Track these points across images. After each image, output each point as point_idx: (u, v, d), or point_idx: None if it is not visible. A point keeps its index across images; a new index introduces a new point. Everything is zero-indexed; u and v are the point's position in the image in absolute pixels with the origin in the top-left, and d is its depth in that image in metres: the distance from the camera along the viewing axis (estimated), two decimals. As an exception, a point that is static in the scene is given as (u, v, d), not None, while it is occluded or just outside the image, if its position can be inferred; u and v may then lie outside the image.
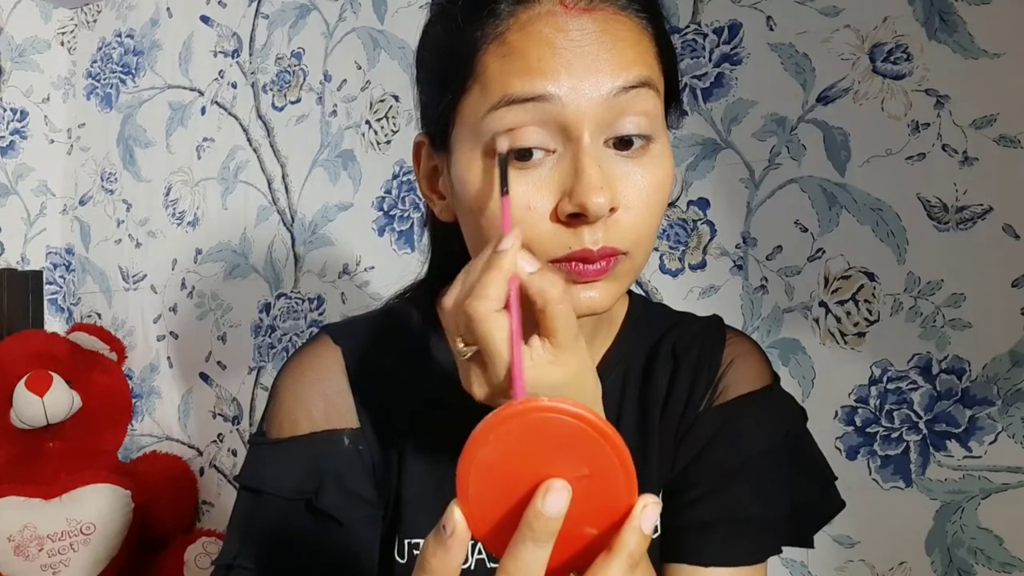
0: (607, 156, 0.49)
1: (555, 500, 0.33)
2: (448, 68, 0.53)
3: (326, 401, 0.60)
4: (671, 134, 0.56)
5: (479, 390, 0.45)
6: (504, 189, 0.48)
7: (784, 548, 0.62)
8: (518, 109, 0.48)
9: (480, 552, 0.59)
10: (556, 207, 0.49)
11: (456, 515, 0.35)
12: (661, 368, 0.63)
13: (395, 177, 1.42)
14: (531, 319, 0.45)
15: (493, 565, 0.38)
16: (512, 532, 0.34)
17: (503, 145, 0.49)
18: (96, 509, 1.49)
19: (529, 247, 0.49)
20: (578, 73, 0.48)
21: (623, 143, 0.50)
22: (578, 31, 0.48)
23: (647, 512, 0.35)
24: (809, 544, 0.64)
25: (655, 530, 0.60)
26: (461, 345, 0.45)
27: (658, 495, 0.62)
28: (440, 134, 0.55)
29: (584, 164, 0.48)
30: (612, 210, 0.49)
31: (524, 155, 0.49)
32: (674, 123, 0.57)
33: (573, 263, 0.49)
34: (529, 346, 0.44)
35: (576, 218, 0.48)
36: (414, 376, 0.62)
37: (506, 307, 0.43)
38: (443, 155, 0.55)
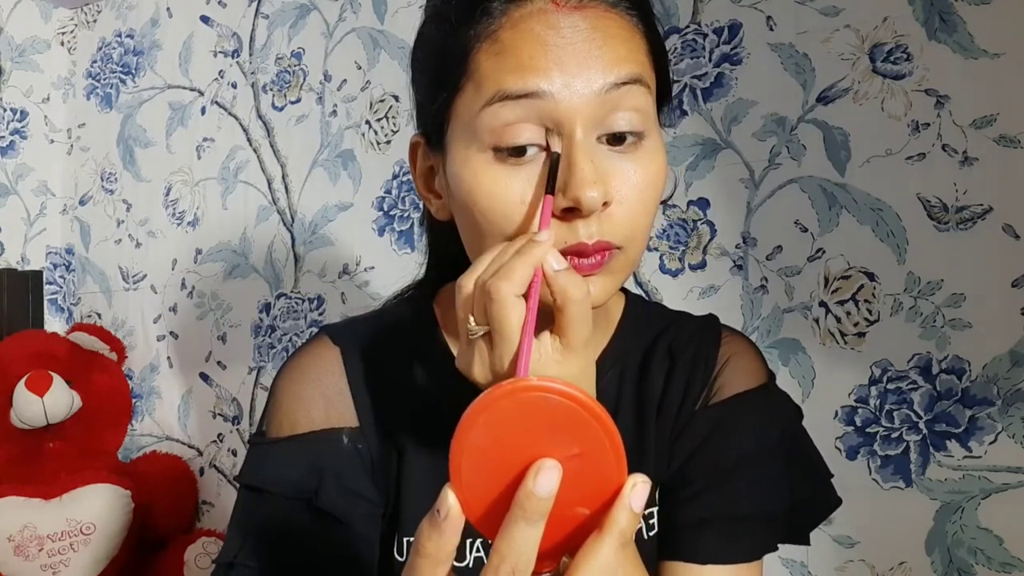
0: (600, 151, 0.50)
1: (546, 480, 0.34)
2: (442, 67, 0.53)
3: (325, 400, 0.61)
4: (667, 133, 0.56)
5: (479, 371, 0.46)
6: (550, 188, 0.48)
7: (782, 546, 0.62)
8: (512, 105, 0.49)
9: (479, 550, 0.59)
10: None
11: (450, 498, 0.35)
12: (657, 367, 0.63)
13: (395, 177, 1.42)
14: (545, 317, 0.45)
15: None
16: (505, 513, 0.34)
17: (556, 146, 0.49)
18: (96, 509, 1.49)
19: None
20: (570, 70, 0.48)
21: (616, 139, 0.50)
22: (570, 28, 0.49)
23: (636, 491, 0.35)
24: (805, 542, 0.64)
25: (653, 526, 0.61)
26: (473, 324, 0.46)
27: (655, 494, 0.62)
28: (436, 133, 0.56)
29: (577, 159, 0.48)
30: (605, 204, 0.49)
31: (518, 151, 0.50)
32: (667, 121, 0.58)
33: (568, 257, 0.49)
34: (539, 340, 0.45)
35: (570, 212, 0.49)
36: (413, 375, 0.62)
37: (525, 296, 0.44)
38: (439, 154, 0.56)
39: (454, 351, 0.63)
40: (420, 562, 0.36)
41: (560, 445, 0.34)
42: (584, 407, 0.34)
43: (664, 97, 0.57)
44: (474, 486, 0.35)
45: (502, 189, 0.50)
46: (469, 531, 0.36)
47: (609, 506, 0.35)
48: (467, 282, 0.47)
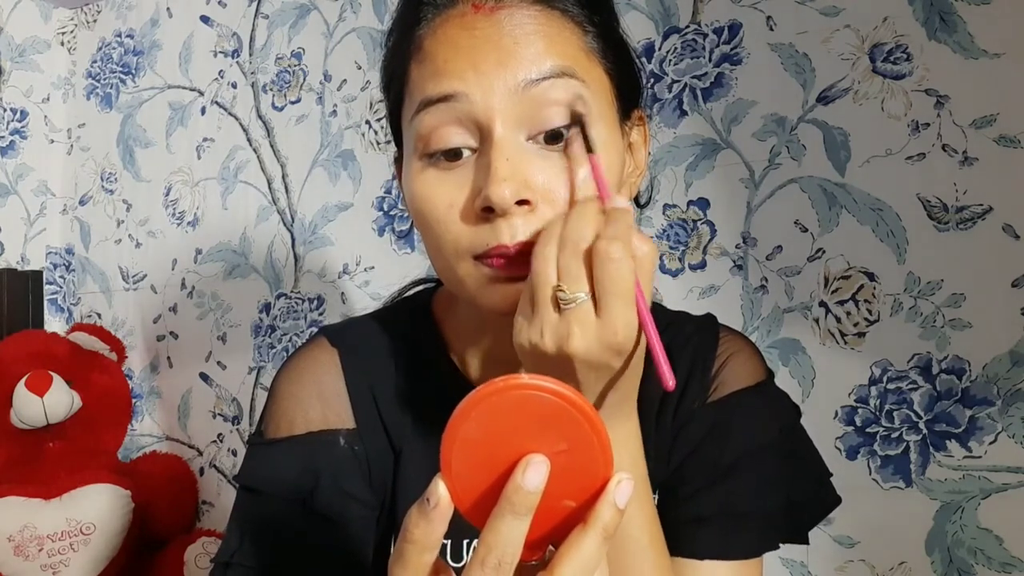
0: (528, 150, 0.50)
1: (534, 475, 0.34)
2: (389, 83, 0.56)
3: (322, 402, 0.61)
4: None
5: (581, 342, 0.43)
6: (589, 148, 0.49)
7: (782, 546, 0.62)
8: (434, 111, 0.50)
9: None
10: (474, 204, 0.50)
11: (440, 488, 0.36)
12: None
13: (395, 177, 1.42)
14: None
15: None
16: (493, 505, 0.35)
17: (580, 108, 0.49)
18: (96, 509, 1.48)
19: (454, 244, 0.50)
20: (485, 69, 0.49)
21: (552, 137, 0.50)
22: (487, 28, 0.50)
23: (621, 487, 0.36)
24: (805, 540, 0.63)
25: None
26: (568, 291, 0.43)
27: (655, 493, 0.62)
28: (398, 147, 0.58)
29: (492, 157, 0.48)
30: (526, 203, 0.48)
31: (452, 155, 0.50)
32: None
33: (492, 259, 0.49)
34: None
35: (491, 212, 0.49)
36: (411, 376, 0.62)
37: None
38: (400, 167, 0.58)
39: (454, 351, 0.63)
40: (407, 548, 0.36)
41: (549, 440, 0.35)
42: (572, 404, 0.35)
43: (628, 91, 0.56)
44: (464, 477, 0.36)
45: (431, 194, 0.51)
46: (468, 530, 0.36)
47: (595, 501, 0.36)
48: (548, 251, 0.44)
